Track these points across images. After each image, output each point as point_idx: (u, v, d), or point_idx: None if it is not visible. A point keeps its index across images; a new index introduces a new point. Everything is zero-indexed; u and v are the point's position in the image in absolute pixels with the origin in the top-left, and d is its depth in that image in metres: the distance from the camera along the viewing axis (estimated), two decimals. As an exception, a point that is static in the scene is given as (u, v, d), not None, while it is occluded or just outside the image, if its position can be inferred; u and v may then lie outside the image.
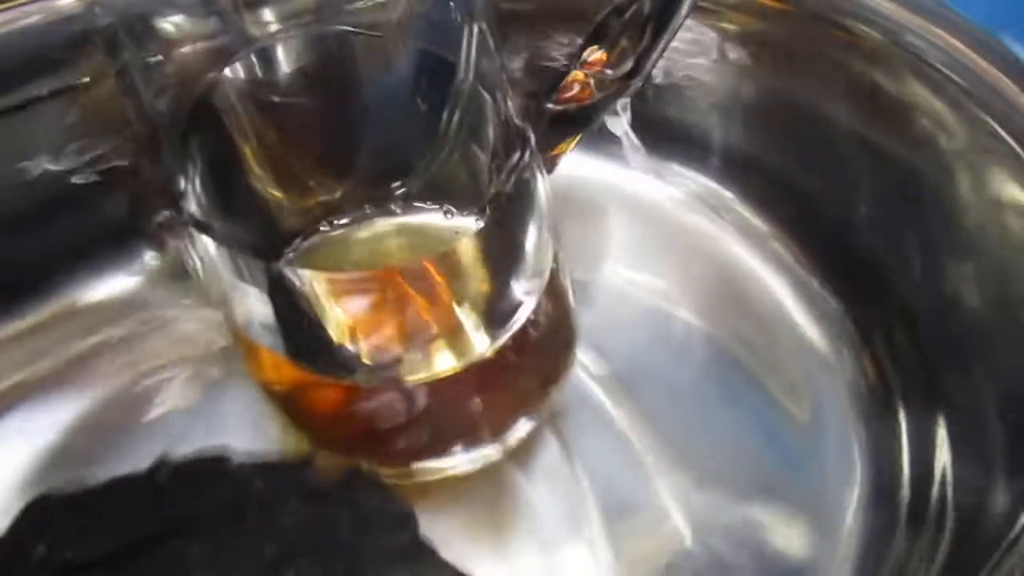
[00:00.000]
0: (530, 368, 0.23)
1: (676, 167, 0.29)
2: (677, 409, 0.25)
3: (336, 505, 0.22)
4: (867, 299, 0.26)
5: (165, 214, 0.27)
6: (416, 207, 0.23)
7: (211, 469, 0.23)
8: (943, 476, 0.22)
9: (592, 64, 0.24)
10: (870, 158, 0.25)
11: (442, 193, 0.22)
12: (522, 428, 0.24)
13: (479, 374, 0.21)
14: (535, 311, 0.21)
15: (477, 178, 0.22)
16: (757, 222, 0.28)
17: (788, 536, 0.23)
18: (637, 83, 0.23)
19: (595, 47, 0.23)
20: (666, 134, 0.28)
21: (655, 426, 0.24)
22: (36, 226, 0.26)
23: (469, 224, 0.22)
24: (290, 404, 0.24)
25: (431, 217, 0.23)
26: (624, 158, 0.29)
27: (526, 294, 0.21)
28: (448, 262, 0.21)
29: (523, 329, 0.21)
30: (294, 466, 0.23)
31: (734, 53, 0.27)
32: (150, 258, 0.28)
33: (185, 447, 0.23)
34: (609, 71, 0.23)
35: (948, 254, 0.24)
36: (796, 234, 0.27)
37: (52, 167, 0.26)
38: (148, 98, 0.20)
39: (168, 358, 0.26)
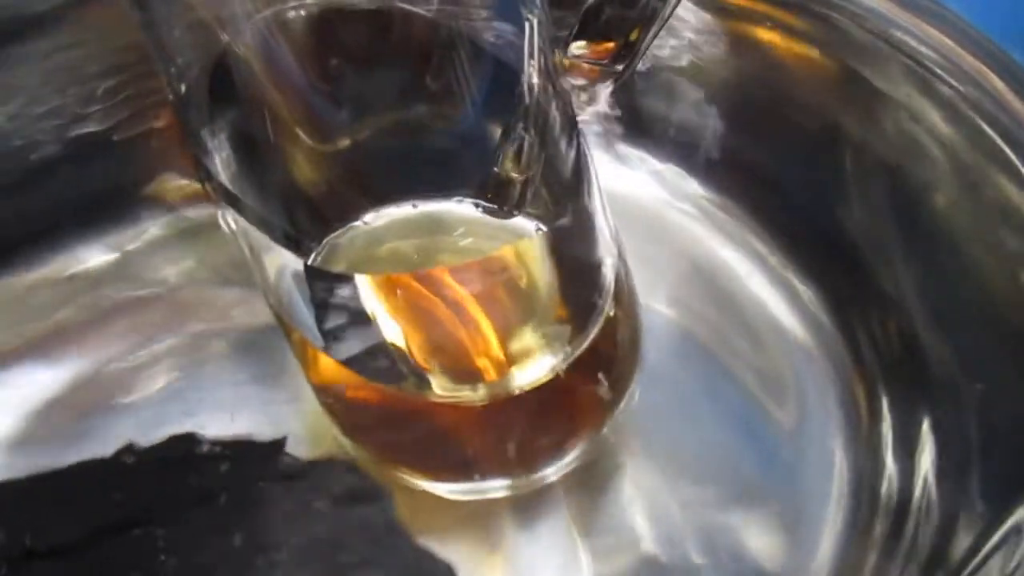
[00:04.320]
0: (592, 386, 0.21)
1: (658, 162, 0.27)
2: (657, 408, 0.23)
3: (309, 490, 0.21)
4: (853, 300, 0.25)
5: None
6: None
7: (180, 454, 0.21)
8: (924, 482, 0.21)
9: (579, 53, 0.22)
10: (856, 156, 0.24)
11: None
12: (576, 453, 0.21)
13: (539, 395, 0.19)
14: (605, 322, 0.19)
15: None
16: (740, 219, 0.27)
17: (765, 543, 0.22)
18: (624, 74, 0.22)
19: (583, 35, 0.22)
20: (648, 129, 0.27)
21: (634, 425, 0.23)
22: (19, 191, 0.24)
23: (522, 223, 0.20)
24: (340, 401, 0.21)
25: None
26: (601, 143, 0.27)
27: (597, 302, 0.19)
28: (509, 262, 0.19)
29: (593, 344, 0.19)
30: (266, 451, 0.22)
31: (719, 48, 0.25)
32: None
33: (157, 430, 0.22)
34: (596, 60, 0.22)
35: (934, 255, 0.23)
36: (781, 233, 0.26)
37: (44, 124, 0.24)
38: (175, 51, 0.17)
39: (146, 335, 0.24)
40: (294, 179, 0.20)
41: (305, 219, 0.20)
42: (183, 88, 0.18)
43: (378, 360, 0.18)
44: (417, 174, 0.20)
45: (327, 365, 0.19)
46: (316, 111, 0.19)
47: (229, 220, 0.18)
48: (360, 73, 0.19)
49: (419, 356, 0.19)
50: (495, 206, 0.20)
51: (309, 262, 0.19)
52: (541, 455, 0.21)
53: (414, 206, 0.20)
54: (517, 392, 0.19)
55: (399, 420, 0.20)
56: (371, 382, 0.19)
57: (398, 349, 0.18)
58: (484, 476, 0.21)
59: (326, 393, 0.21)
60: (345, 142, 0.20)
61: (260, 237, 0.18)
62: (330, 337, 0.18)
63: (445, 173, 0.20)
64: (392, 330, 0.18)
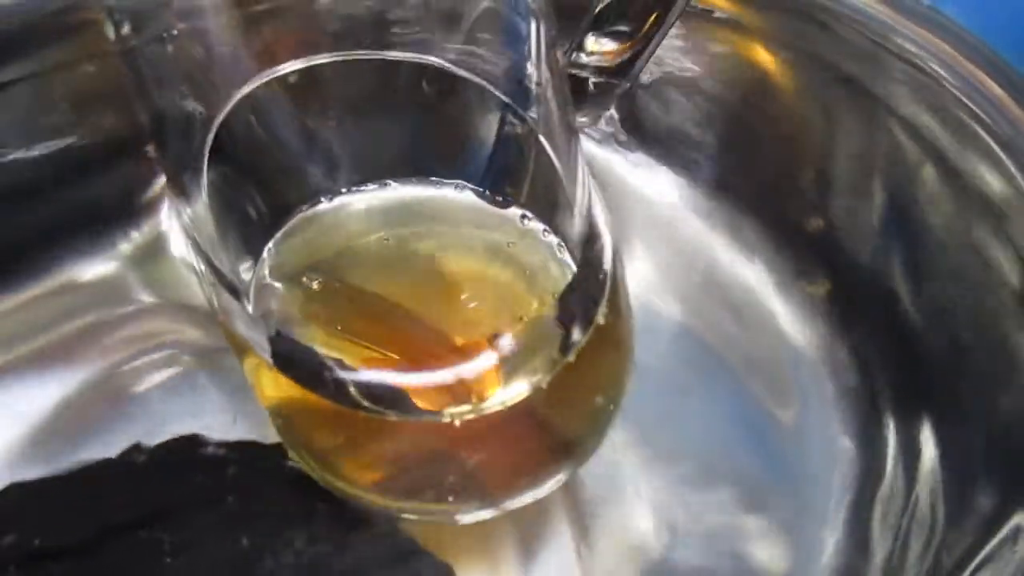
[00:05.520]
0: (578, 399, 0.19)
1: (659, 164, 0.27)
2: (658, 409, 0.23)
3: (313, 494, 0.21)
4: (854, 302, 0.24)
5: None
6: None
7: (185, 456, 0.21)
8: (927, 483, 0.21)
9: (591, 50, 0.22)
10: (855, 161, 0.24)
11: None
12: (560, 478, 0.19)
13: (520, 411, 0.17)
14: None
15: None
16: (742, 221, 0.26)
17: (768, 546, 0.22)
18: (626, 84, 0.22)
19: (589, 42, 0.22)
20: (652, 134, 0.27)
21: (635, 426, 0.23)
22: (20, 205, 0.24)
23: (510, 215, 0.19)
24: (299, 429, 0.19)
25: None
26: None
27: (589, 306, 0.18)
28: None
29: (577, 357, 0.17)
30: (271, 453, 0.22)
31: (719, 56, 0.25)
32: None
33: (163, 433, 0.22)
34: (603, 64, 0.22)
35: (932, 256, 0.23)
36: (783, 237, 0.26)
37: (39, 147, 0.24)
38: (160, 91, 0.17)
39: (150, 342, 0.24)
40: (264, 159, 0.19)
41: (279, 190, 0.19)
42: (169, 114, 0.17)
43: (335, 377, 0.17)
44: (401, 152, 0.20)
45: (281, 384, 0.17)
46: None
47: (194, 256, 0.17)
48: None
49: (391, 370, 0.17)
50: (482, 189, 0.19)
51: (271, 244, 0.18)
52: (521, 481, 0.19)
53: (391, 185, 0.20)
54: (499, 407, 0.17)
55: (364, 445, 0.19)
56: (328, 402, 0.17)
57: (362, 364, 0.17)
58: (459, 509, 0.19)
59: (278, 415, 0.19)
60: (331, 119, 0.19)
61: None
62: (280, 355, 0.17)
63: (437, 155, 0.20)
64: (356, 339, 0.18)
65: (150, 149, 0.24)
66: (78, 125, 0.24)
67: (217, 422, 0.22)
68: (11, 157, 0.24)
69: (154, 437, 0.22)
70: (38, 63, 0.23)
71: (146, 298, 0.25)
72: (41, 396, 0.23)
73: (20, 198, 0.24)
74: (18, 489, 0.21)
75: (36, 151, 0.24)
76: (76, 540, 0.20)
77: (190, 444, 0.22)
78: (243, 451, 0.22)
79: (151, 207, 0.26)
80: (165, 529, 0.20)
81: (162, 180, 0.25)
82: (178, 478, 0.21)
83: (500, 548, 0.21)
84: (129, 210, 0.26)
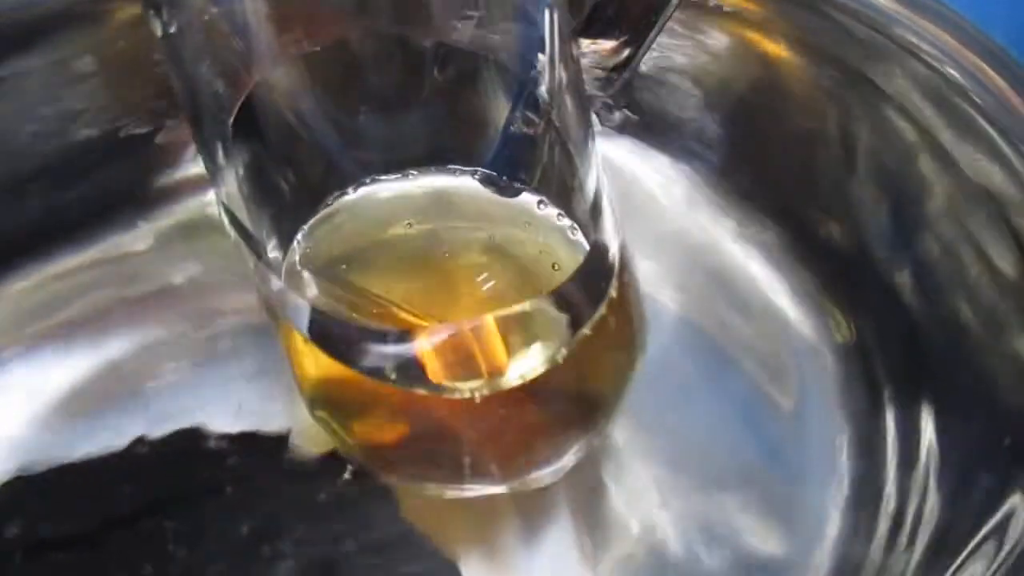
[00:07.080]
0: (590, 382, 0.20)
1: (662, 155, 0.27)
2: (659, 400, 0.24)
3: (313, 484, 0.21)
4: (856, 290, 0.25)
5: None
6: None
7: (188, 446, 0.22)
8: (926, 474, 0.21)
9: (584, 50, 0.22)
10: (857, 152, 0.24)
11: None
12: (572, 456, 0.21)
13: (531, 390, 0.18)
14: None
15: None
16: (744, 211, 0.26)
17: (767, 536, 0.22)
18: (625, 76, 0.22)
19: (589, 29, 0.22)
20: (652, 123, 0.27)
21: (636, 417, 0.23)
22: (26, 189, 0.25)
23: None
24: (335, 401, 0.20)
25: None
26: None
27: (601, 284, 0.18)
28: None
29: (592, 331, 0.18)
30: (271, 444, 0.22)
31: (722, 45, 0.25)
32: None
33: (166, 423, 0.22)
34: (599, 61, 0.22)
35: (934, 252, 0.23)
36: (784, 224, 0.26)
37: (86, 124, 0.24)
38: (195, 71, 0.18)
39: (154, 331, 0.25)
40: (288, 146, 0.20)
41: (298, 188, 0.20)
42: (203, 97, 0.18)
43: (368, 352, 0.18)
44: (422, 141, 0.20)
45: (319, 360, 0.19)
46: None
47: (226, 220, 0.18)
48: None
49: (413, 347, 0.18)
50: (495, 174, 0.20)
51: (299, 236, 0.19)
52: (539, 455, 0.20)
53: (410, 176, 0.20)
54: (515, 382, 0.18)
55: (390, 419, 0.20)
56: (361, 376, 0.18)
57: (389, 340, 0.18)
58: (477, 480, 0.20)
59: (309, 381, 0.20)
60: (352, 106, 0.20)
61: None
62: (318, 332, 0.18)
63: (455, 143, 0.20)
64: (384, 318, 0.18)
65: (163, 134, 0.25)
66: (96, 108, 0.24)
67: (220, 411, 0.23)
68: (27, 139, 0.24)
69: (158, 427, 0.22)
70: (59, 50, 0.23)
71: (150, 287, 0.25)
72: (45, 385, 0.23)
73: (26, 184, 0.24)
74: (23, 480, 0.21)
75: (63, 132, 0.24)
76: (81, 529, 0.20)
77: (192, 436, 0.22)
78: (244, 443, 0.22)
79: (158, 195, 0.26)
80: (168, 519, 0.21)
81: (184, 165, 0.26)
82: (181, 470, 0.22)
83: (501, 536, 0.22)
84: (132, 199, 0.26)
